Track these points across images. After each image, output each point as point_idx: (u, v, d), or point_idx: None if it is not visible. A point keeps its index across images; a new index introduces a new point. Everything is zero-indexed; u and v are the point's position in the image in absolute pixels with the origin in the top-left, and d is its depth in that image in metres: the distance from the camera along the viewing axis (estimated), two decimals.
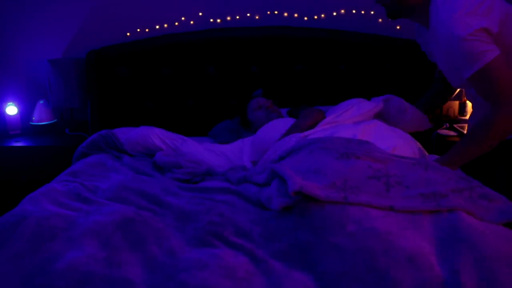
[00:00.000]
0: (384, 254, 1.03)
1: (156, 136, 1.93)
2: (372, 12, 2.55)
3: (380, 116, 1.99)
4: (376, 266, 1.01)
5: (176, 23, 2.59)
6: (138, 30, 2.60)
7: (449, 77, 1.70)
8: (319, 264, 1.07)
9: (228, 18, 2.58)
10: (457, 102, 2.65)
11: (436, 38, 1.59)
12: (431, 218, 1.17)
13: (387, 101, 2.03)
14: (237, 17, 2.57)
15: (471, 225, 1.11)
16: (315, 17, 2.56)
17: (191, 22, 2.58)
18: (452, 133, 2.41)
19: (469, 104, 2.63)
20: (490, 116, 1.51)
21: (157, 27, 2.60)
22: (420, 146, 1.83)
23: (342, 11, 2.55)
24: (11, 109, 2.60)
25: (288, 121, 1.98)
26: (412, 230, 1.12)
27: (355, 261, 1.03)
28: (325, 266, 1.05)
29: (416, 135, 1.96)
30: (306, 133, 1.77)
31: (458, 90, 2.25)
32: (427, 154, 1.82)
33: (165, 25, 2.60)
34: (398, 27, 2.55)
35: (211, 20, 2.58)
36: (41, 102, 2.61)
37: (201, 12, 2.57)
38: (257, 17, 2.57)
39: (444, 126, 2.52)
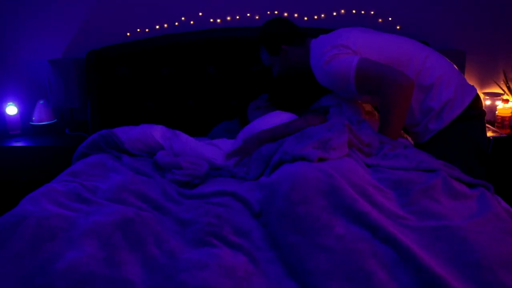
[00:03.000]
0: (373, 257, 1.04)
1: (157, 133, 1.94)
2: (372, 12, 2.55)
3: None
4: (365, 267, 1.01)
5: (176, 23, 2.59)
6: (138, 30, 2.60)
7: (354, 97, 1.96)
8: (307, 262, 1.07)
9: (228, 18, 2.58)
10: None
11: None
12: (416, 223, 1.18)
13: None
14: (237, 17, 2.57)
15: (460, 228, 1.11)
16: (315, 17, 2.56)
17: (191, 22, 2.59)
18: None
19: None
20: (385, 99, 1.73)
21: (157, 27, 2.60)
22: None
23: (342, 11, 2.55)
24: (11, 109, 2.60)
25: (284, 114, 2.01)
26: (399, 233, 1.12)
27: (344, 261, 1.04)
28: (313, 264, 1.06)
29: None
30: None
31: None
32: None
33: (165, 25, 2.60)
34: (398, 27, 2.55)
35: (211, 20, 2.58)
36: (41, 102, 2.61)
37: (201, 12, 2.57)
38: (257, 17, 2.57)
39: None
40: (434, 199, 1.27)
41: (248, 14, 2.57)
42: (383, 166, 1.49)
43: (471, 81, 2.65)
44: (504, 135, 2.37)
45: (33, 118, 2.62)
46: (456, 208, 1.24)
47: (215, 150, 1.88)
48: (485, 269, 0.98)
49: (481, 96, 2.64)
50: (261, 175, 1.65)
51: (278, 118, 1.99)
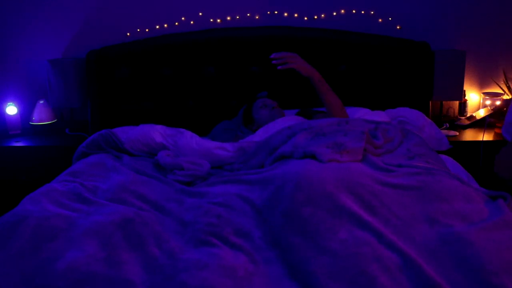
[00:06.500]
0: (376, 261, 1.04)
1: (157, 133, 1.93)
2: (372, 12, 2.55)
3: None
4: (367, 271, 1.01)
5: (176, 23, 2.59)
6: (138, 30, 2.60)
7: None
8: (309, 264, 1.07)
9: (228, 18, 2.58)
10: (457, 102, 2.65)
11: None
12: (421, 229, 1.17)
13: (401, 122, 2.09)
14: (237, 17, 2.57)
15: (462, 236, 1.10)
16: (315, 17, 2.56)
17: (191, 22, 2.59)
18: (452, 133, 2.41)
19: (469, 104, 2.64)
20: None
21: (157, 27, 2.60)
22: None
23: (342, 11, 2.55)
24: (11, 109, 2.60)
25: (292, 119, 2.00)
26: (403, 239, 1.13)
27: (347, 264, 1.04)
28: (315, 266, 1.06)
29: None
30: None
31: None
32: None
33: (165, 25, 2.60)
34: (398, 27, 2.55)
35: (211, 20, 2.58)
36: (41, 102, 2.61)
37: (201, 12, 2.57)
38: (257, 17, 2.57)
39: (444, 126, 2.52)
40: (447, 201, 1.26)
41: (248, 14, 2.57)
42: (392, 165, 1.48)
43: (471, 81, 2.65)
44: None
45: (33, 118, 2.62)
46: (466, 210, 1.22)
47: (222, 145, 1.87)
48: (491, 274, 0.97)
49: (481, 96, 2.64)
50: (262, 165, 1.66)
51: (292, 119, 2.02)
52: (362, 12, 2.55)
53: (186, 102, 2.54)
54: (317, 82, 2.04)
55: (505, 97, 2.56)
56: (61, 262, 1.09)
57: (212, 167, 1.77)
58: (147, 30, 2.60)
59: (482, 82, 2.68)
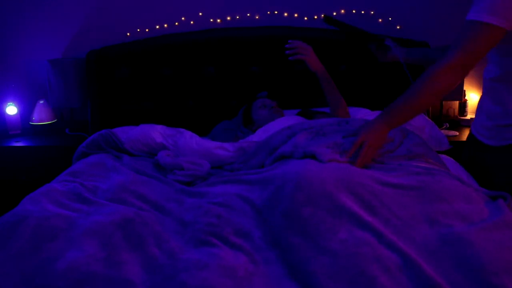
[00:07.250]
0: (376, 261, 1.04)
1: (157, 133, 1.93)
2: (372, 12, 2.55)
3: None
4: (367, 271, 1.01)
5: (176, 23, 2.59)
6: (138, 30, 2.60)
7: None
8: (309, 264, 1.08)
9: (228, 18, 2.58)
10: (457, 102, 2.66)
11: None
12: (421, 229, 1.17)
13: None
14: (237, 17, 2.57)
15: (462, 236, 1.10)
16: (315, 17, 2.56)
17: (191, 22, 2.59)
18: (452, 133, 2.42)
19: (469, 104, 2.64)
20: (443, 60, 1.38)
21: (157, 27, 2.60)
22: None
23: (342, 11, 2.55)
24: (11, 109, 2.60)
25: (292, 119, 2.00)
26: (403, 239, 1.13)
27: (347, 264, 1.04)
28: (315, 266, 1.06)
29: None
30: None
31: None
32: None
33: (165, 25, 2.60)
34: (398, 27, 2.55)
35: (211, 20, 2.58)
36: (41, 102, 2.61)
37: (201, 12, 2.57)
38: (257, 17, 2.57)
39: (444, 126, 2.52)
40: (447, 201, 1.25)
41: (248, 14, 2.57)
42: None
43: (471, 81, 2.65)
44: None
45: (33, 118, 2.62)
46: (466, 210, 1.22)
47: (222, 145, 1.87)
48: (491, 274, 0.97)
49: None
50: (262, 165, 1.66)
51: (292, 119, 2.01)
52: (362, 12, 2.55)
53: (186, 102, 2.54)
54: (324, 80, 2.06)
55: None
56: (61, 262, 1.09)
57: (212, 167, 1.77)
58: (147, 30, 2.60)
59: (482, 82, 2.68)
